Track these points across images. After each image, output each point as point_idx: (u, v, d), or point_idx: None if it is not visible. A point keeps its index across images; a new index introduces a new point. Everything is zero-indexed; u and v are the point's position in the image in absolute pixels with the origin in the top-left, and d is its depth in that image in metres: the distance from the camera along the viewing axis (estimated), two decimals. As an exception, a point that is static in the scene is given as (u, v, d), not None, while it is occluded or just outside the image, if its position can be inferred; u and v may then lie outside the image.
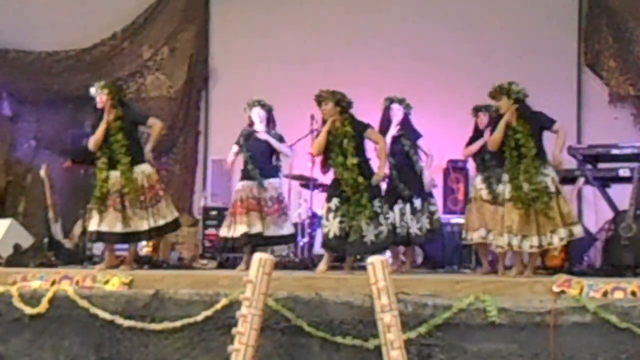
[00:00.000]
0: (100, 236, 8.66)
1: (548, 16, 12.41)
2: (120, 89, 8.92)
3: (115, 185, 8.56)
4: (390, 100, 9.40)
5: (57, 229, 10.48)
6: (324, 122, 8.51)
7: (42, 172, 10.69)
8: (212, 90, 13.24)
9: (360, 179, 8.31)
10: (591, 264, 9.16)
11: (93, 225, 8.60)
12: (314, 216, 10.59)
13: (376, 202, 8.38)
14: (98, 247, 10.29)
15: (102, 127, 8.59)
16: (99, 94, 8.61)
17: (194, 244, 11.01)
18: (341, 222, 8.29)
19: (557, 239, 7.92)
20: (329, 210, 8.41)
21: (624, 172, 9.11)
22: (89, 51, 13.03)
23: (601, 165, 9.37)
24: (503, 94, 8.09)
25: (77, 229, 10.56)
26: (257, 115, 9.19)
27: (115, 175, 8.58)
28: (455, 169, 11.68)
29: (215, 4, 13.26)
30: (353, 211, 8.26)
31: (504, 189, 8.13)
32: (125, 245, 8.93)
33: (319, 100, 8.47)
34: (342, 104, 8.42)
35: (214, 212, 11.11)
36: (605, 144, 9.43)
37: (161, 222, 8.69)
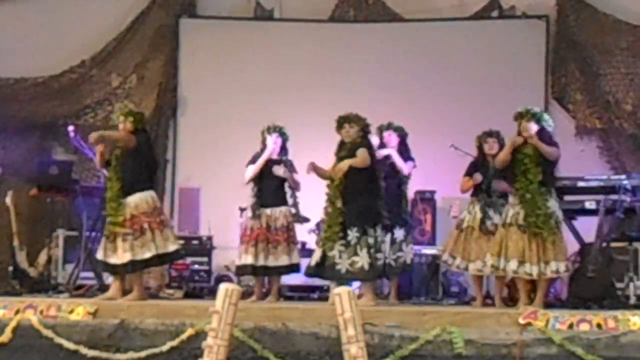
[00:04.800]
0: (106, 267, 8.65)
1: (516, 50, 12.53)
2: (142, 117, 8.88)
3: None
4: (380, 129, 9.37)
5: (22, 257, 10.38)
6: (342, 143, 8.50)
7: (8, 200, 10.58)
8: (180, 119, 13.17)
9: (339, 204, 8.30)
10: (557, 296, 9.19)
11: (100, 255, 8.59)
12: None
13: (352, 232, 8.27)
14: (63, 276, 10.22)
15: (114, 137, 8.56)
16: (123, 121, 8.55)
17: (161, 273, 10.90)
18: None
19: (563, 267, 8.04)
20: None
21: (590, 205, 9.18)
22: (57, 78, 12.93)
23: (567, 198, 9.40)
24: (533, 119, 8.21)
25: (42, 257, 10.45)
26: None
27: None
28: (422, 199, 11.65)
29: (184, 32, 13.24)
30: (325, 236, 8.32)
31: (508, 213, 8.18)
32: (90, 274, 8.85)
33: (345, 121, 8.46)
34: (366, 130, 8.51)
35: (180, 241, 10.99)
36: (571, 177, 9.48)
37: (171, 248, 8.69)
